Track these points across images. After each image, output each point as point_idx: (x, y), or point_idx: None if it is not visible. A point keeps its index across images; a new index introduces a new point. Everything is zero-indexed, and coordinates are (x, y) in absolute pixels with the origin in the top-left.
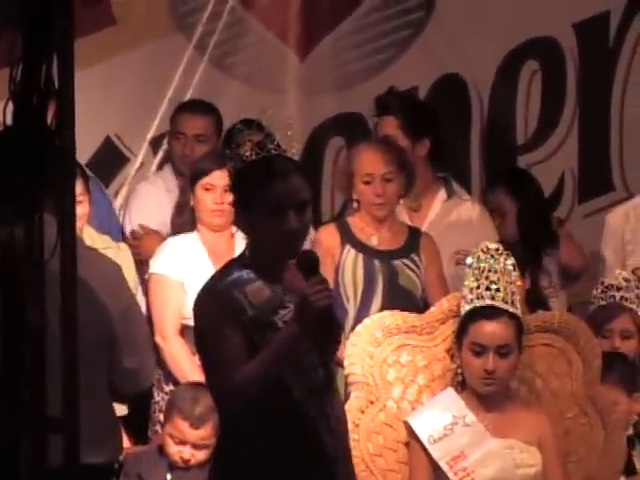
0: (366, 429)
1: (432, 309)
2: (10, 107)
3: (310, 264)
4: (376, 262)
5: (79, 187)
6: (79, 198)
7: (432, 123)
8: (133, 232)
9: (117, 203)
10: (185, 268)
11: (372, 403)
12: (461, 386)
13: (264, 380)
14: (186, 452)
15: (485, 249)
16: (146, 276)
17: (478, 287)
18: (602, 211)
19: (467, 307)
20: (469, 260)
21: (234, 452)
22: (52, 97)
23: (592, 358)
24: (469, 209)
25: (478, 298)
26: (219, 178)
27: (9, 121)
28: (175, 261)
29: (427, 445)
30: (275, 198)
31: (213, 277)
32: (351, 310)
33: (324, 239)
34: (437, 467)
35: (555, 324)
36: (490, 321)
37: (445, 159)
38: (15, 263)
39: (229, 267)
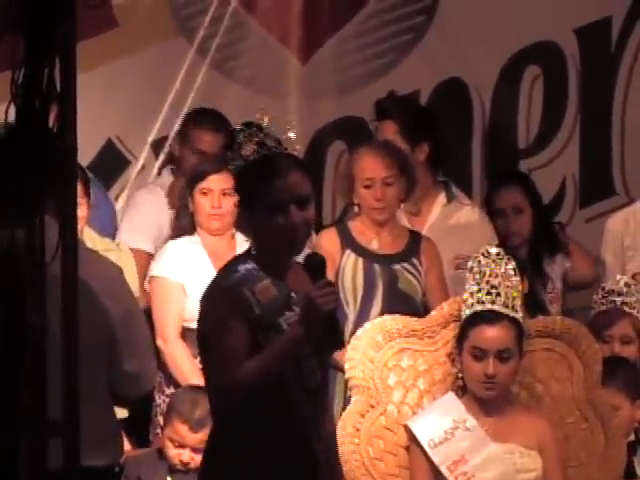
0: (367, 433)
1: (433, 313)
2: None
3: (317, 267)
4: (376, 266)
5: (79, 189)
6: (78, 200)
7: (431, 128)
8: None
9: (118, 206)
10: (186, 271)
11: (373, 407)
12: (462, 390)
13: (264, 379)
14: (185, 455)
15: (486, 253)
16: (147, 279)
17: (479, 291)
18: (603, 216)
19: (468, 311)
20: (470, 264)
21: (225, 452)
22: (54, 100)
23: (593, 363)
24: (469, 213)
25: (479, 302)
26: (216, 182)
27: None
28: (176, 264)
29: (427, 449)
30: (275, 193)
31: (220, 273)
32: (351, 314)
33: (324, 243)
34: (437, 471)
35: (556, 329)
36: (491, 325)
37: (444, 164)
38: (16, 265)
39: (234, 263)
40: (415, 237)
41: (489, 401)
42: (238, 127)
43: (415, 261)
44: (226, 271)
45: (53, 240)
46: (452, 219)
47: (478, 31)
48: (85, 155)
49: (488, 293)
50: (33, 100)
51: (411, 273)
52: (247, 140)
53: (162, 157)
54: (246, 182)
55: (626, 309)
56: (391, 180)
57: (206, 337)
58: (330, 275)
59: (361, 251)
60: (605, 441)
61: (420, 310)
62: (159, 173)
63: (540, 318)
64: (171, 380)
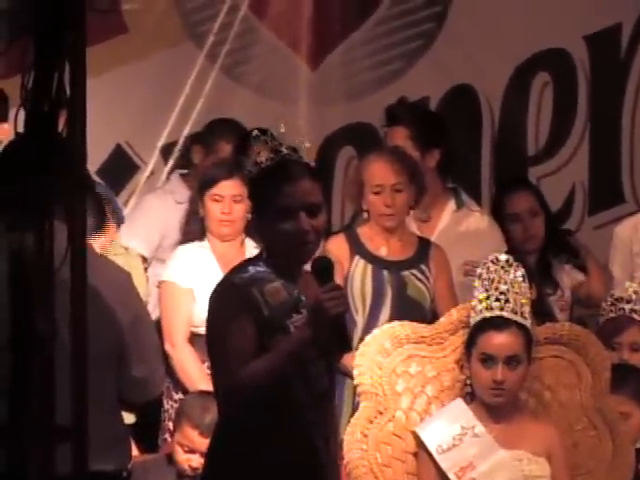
0: (375, 439)
1: (441, 320)
2: (22, 114)
3: (325, 270)
4: (385, 273)
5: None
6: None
7: (442, 134)
8: None
9: (127, 211)
10: (195, 276)
11: (381, 413)
12: (470, 397)
13: (269, 379)
14: (195, 461)
15: (495, 260)
16: (152, 283)
17: (488, 298)
18: (612, 223)
19: (476, 318)
20: (479, 271)
21: (228, 453)
22: (63, 105)
23: (601, 370)
24: (478, 220)
25: (487, 309)
26: (227, 188)
27: (21, 128)
28: (185, 269)
29: (435, 455)
30: (286, 200)
31: (231, 272)
32: (360, 320)
33: (333, 249)
34: (445, 478)
35: (565, 336)
36: (499, 332)
37: (454, 170)
38: (25, 270)
39: (245, 264)
40: (424, 244)
41: (497, 407)
42: (254, 133)
43: (424, 268)
44: (236, 271)
45: (62, 245)
46: (462, 226)
47: (488, 38)
48: (94, 160)
49: (497, 299)
50: (43, 105)
51: (420, 280)
52: (262, 147)
53: (171, 162)
54: (258, 188)
55: (635, 316)
56: (400, 186)
57: (213, 334)
58: (339, 281)
59: (370, 257)
60: (613, 448)
61: (429, 316)
62: (168, 178)
63: (549, 325)
64: (179, 386)
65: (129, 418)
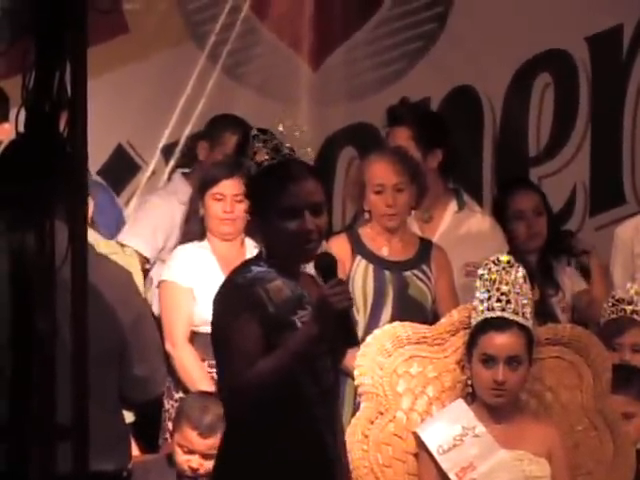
0: (375, 440)
1: (442, 320)
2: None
3: (329, 266)
4: (386, 273)
5: None
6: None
7: (444, 134)
8: None
9: (129, 211)
10: (195, 275)
11: (382, 414)
12: (471, 397)
13: (277, 377)
14: (195, 461)
15: (496, 261)
16: (155, 284)
17: (489, 298)
18: (613, 224)
19: (478, 318)
20: (480, 272)
21: (238, 451)
22: (64, 105)
23: (602, 371)
24: (480, 221)
25: (489, 309)
26: (228, 187)
27: (21, 128)
28: (185, 268)
29: (436, 456)
30: (290, 199)
31: (233, 272)
32: (361, 321)
33: (335, 249)
34: (446, 478)
35: (566, 337)
36: (500, 332)
37: (456, 170)
38: (26, 270)
39: (247, 264)
40: (426, 244)
41: (498, 408)
42: (253, 133)
43: (425, 268)
44: (239, 271)
45: (63, 245)
46: (463, 227)
47: (489, 39)
48: (96, 160)
49: (498, 300)
50: (44, 105)
51: (421, 280)
52: (262, 146)
53: (172, 162)
54: (260, 188)
55: (636, 317)
56: (402, 186)
57: (219, 335)
58: None
59: (372, 257)
60: (614, 449)
61: (430, 317)
62: (169, 178)
63: (550, 326)
64: (180, 385)
65: (129, 417)
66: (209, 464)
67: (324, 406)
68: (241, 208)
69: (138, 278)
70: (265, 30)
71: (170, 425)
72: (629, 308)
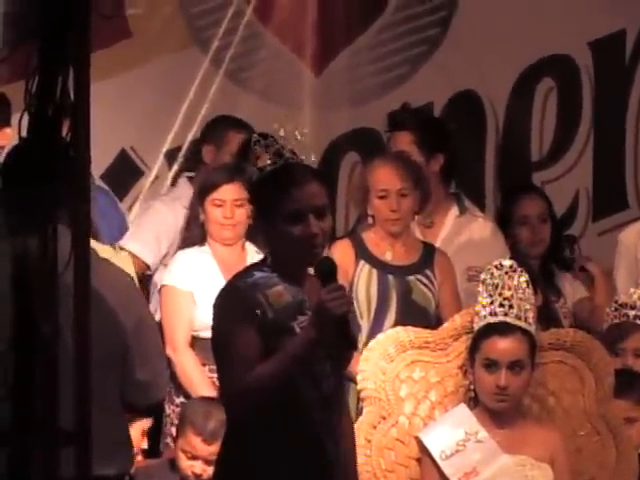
0: (378, 445)
1: (445, 325)
2: (25, 119)
3: (328, 270)
4: (390, 278)
5: None
6: None
7: (446, 139)
8: None
9: (131, 216)
10: (195, 280)
11: (384, 419)
12: (474, 402)
13: (276, 382)
14: (198, 467)
15: (499, 266)
16: (157, 288)
17: (492, 303)
18: (616, 229)
19: (480, 323)
20: (483, 276)
21: (238, 456)
22: (67, 109)
23: (605, 376)
24: (481, 225)
25: (491, 314)
26: (228, 192)
27: (24, 133)
28: (186, 273)
29: (439, 461)
30: (294, 204)
31: (235, 277)
32: (365, 325)
33: (338, 254)
34: None
35: (568, 341)
36: (503, 337)
37: (458, 175)
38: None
39: (250, 269)
40: (429, 249)
41: (501, 413)
42: (255, 138)
43: (429, 273)
44: (241, 276)
45: (66, 250)
46: (465, 231)
47: (492, 43)
48: (99, 165)
49: (501, 305)
50: (47, 110)
51: (425, 285)
52: (264, 151)
53: (176, 167)
54: (263, 192)
55: (639, 322)
56: (406, 192)
57: (218, 339)
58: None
59: (375, 262)
60: (617, 454)
61: (434, 322)
62: (173, 183)
63: (553, 330)
64: (180, 390)
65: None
66: (212, 470)
67: (324, 411)
68: (241, 213)
69: None
70: (268, 35)
71: (171, 430)
72: (632, 313)
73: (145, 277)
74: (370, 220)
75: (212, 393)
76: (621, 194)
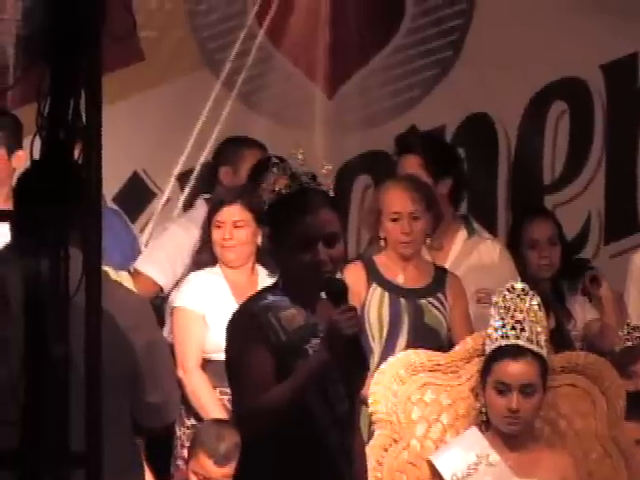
0: (390, 468)
1: (457, 348)
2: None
3: (339, 292)
4: (402, 301)
5: None
6: None
7: (454, 162)
8: None
9: (143, 238)
10: (207, 301)
11: (396, 442)
12: (485, 425)
13: (289, 405)
14: None
15: (511, 289)
16: (169, 310)
17: (503, 326)
18: (628, 252)
19: (492, 346)
20: (495, 299)
21: (253, 475)
22: (79, 132)
23: (616, 399)
24: (490, 248)
25: (503, 337)
26: (228, 214)
27: (36, 156)
28: (197, 295)
29: None
30: (305, 231)
31: (247, 300)
32: (376, 348)
33: (350, 277)
34: None
35: (580, 364)
36: (515, 360)
37: (467, 198)
38: (40, 297)
39: (263, 292)
40: (440, 272)
41: (512, 436)
42: (273, 160)
43: (441, 296)
44: (253, 299)
45: (77, 272)
46: (474, 253)
47: (504, 66)
48: (111, 187)
49: (512, 328)
50: (59, 132)
51: (437, 308)
52: (280, 174)
53: (187, 190)
54: (276, 216)
55: None
56: (418, 214)
57: (232, 362)
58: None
59: (387, 285)
60: (628, 477)
61: (445, 345)
62: (185, 205)
63: (565, 354)
64: (191, 412)
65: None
66: None
67: (338, 433)
68: (242, 234)
69: None
70: (280, 57)
71: (182, 452)
72: None
73: (159, 298)
74: (382, 243)
75: (223, 415)
76: (633, 217)
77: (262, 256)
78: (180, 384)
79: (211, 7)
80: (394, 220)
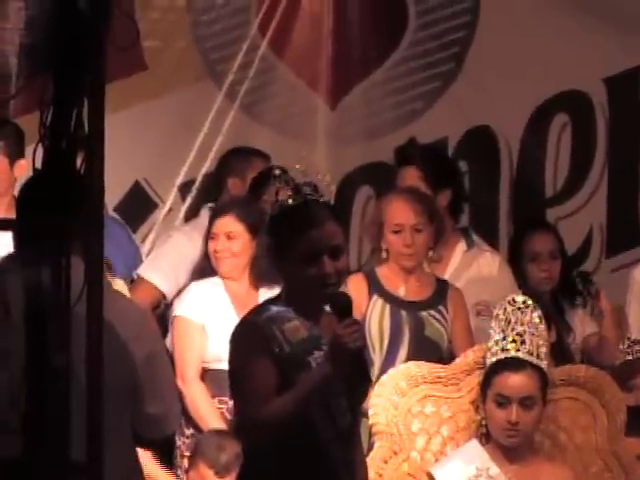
0: None
1: (457, 360)
2: (39, 151)
3: (343, 305)
4: (403, 313)
5: None
6: None
7: (453, 174)
8: None
9: (145, 248)
10: (207, 311)
11: (396, 454)
12: (485, 438)
13: (291, 417)
14: None
15: (512, 301)
16: (169, 319)
17: (504, 339)
18: (630, 265)
19: (492, 359)
20: (496, 312)
21: None
22: (82, 141)
23: (617, 412)
24: (489, 260)
25: (503, 350)
26: (220, 226)
27: (38, 165)
28: (198, 304)
29: None
30: (310, 244)
31: (251, 312)
32: (377, 360)
33: (351, 289)
34: None
35: (581, 378)
36: (514, 373)
37: (465, 211)
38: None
39: (266, 304)
40: (442, 285)
41: (512, 449)
42: (277, 171)
43: (442, 308)
44: (257, 310)
45: (79, 282)
46: (473, 266)
47: (506, 79)
48: (113, 197)
49: (513, 341)
50: (61, 141)
51: (438, 320)
52: (284, 185)
53: (189, 200)
54: (280, 228)
55: None
56: (420, 227)
57: (235, 373)
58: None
59: (388, 297)
60: None
61: (446, 357)
62: (187, 216)
63: (565, 367)
64: (191, 422)
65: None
66: None
67: (340, 446)
68: (234, 245)
69: None
70: (283, 68)
71: (182, 462)
72: None
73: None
74: (384, 255)
75: (221, 425)
76: (635, 230)
77: (255, 268)
78: (179, 394)
79: (214, 18)
80: (396, 232)
